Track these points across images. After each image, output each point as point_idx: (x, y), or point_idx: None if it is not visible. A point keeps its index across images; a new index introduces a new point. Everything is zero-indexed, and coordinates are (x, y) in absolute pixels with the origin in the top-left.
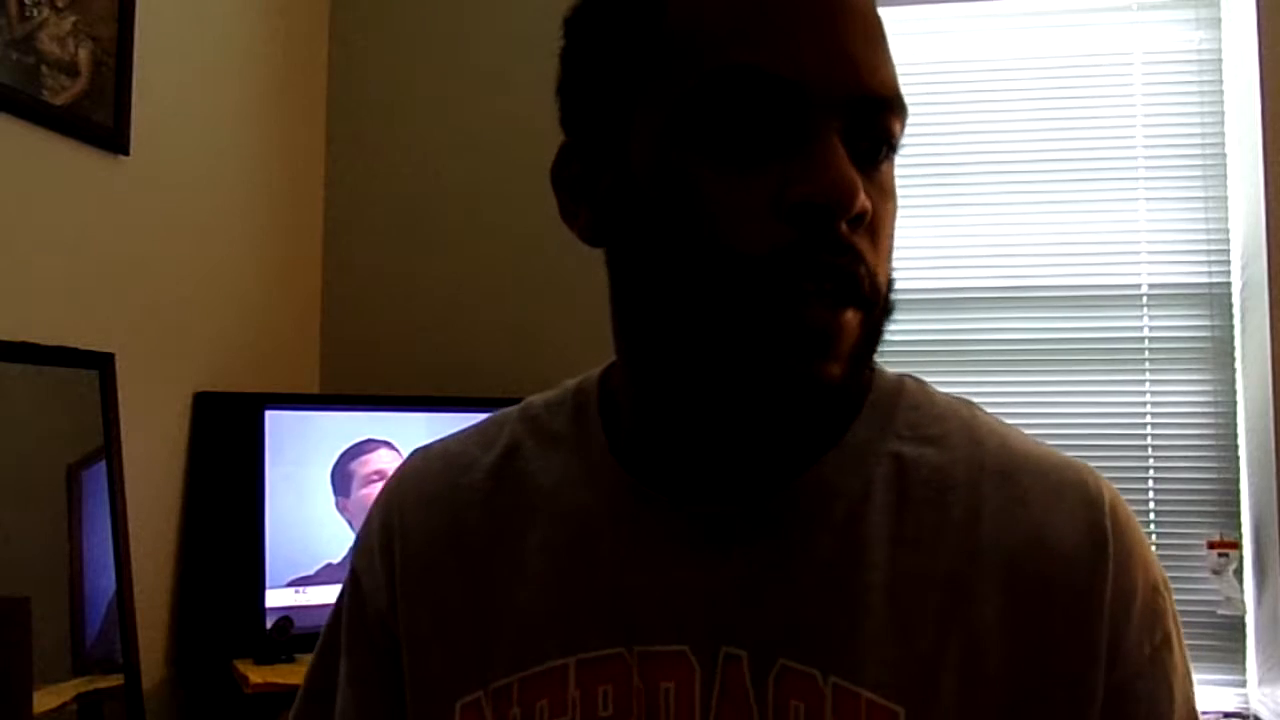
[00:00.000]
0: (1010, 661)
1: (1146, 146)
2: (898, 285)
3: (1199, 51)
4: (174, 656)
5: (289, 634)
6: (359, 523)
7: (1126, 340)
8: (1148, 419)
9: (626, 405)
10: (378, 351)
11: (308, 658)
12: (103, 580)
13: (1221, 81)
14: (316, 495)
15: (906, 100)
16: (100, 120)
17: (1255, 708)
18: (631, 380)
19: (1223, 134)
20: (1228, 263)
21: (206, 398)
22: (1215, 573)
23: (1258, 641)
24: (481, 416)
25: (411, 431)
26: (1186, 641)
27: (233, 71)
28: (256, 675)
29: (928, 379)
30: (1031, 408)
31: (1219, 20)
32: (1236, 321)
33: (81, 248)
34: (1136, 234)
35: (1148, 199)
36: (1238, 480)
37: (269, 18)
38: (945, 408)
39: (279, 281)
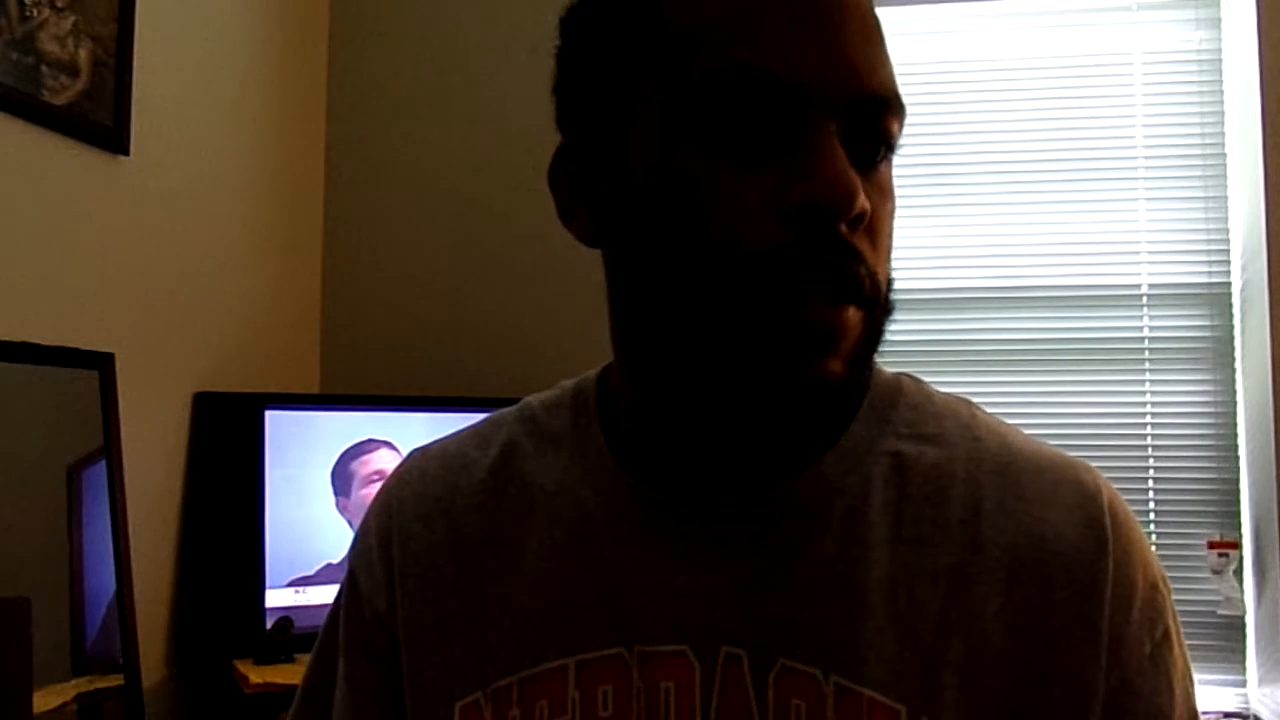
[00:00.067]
0: (1011, 658)
1: (1146, 146)
2: (898, 285)
3: (1199, 51)
4: (174, 656)
5: (289, 634)
6: (359, 522)
7: (1126, 340)
8: (1148, 419)
9: (625, 405)
10: (378, 351)
11: (307, 658)
12: (103, 580)
13: (1221, 81)
14: (316, 495)
15: (905, 100)
16: (100, 120)
17: (1255, 708)
18: (630, 380)
19: (1223, 134)
20: (1228, 263)
21: (206, 398)
22: (1215, 573)
23: (1258, 641)
24: (481, 416)
25: (411, 431)
26: (1186, 641)
27: (233, 71)
28: (256, 675)
29: (928, 379)
30: (1031, 408)
31: (1219, 20)
32: (1236, 321)
33: (81, 248)
34: (1136, 234)
35: (1148, 199)
36: (1238, 480)
37: (269, 18)
38: (943, 406)
39: (279, 281)
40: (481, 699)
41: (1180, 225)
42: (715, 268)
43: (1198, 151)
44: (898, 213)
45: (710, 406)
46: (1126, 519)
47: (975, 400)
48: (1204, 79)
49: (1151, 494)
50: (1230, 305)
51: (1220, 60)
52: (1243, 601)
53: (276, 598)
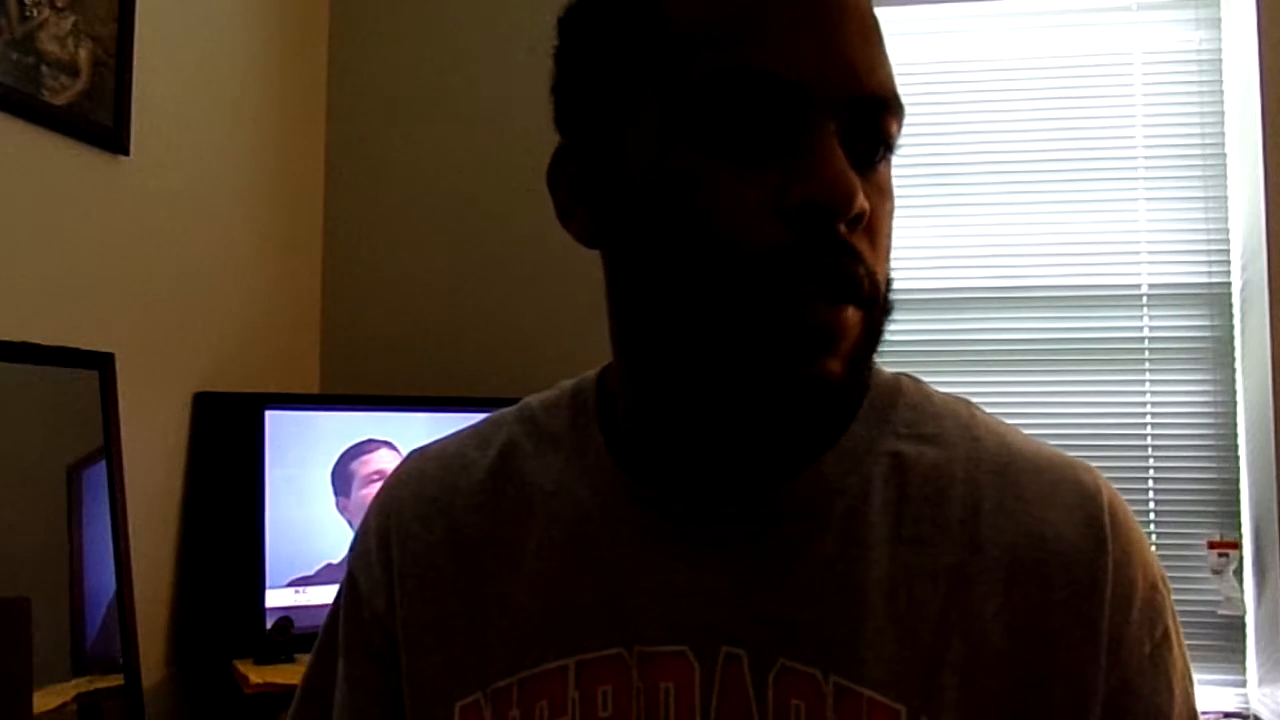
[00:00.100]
0: (1011, 658)
1: (1146, 146)
2: (897, 285)
3: (1199, 51)
4: (174, 656)
5: (289, 634)
6: (359, 522)
7: (1126, 340)
8: (1148, 419)
9: (624, 406)
10: (378, 351)
11: (307, 658)
12: (103, 580)
13: (1221, 81)
14: (317, 495)
15: (905, 100)
16: (100, 120)
17: (1255, 708)
18: (629, 380)
19: (1223, 134)
20: (1228, 263)
21: (206, 398)
22: (1215, 573)
23: (1258, 641)
24: (481, 416)
25: (411, 431)
26: (1186, 641)
27: (233, 71)
28: (256, 675)
29: (927, 379)
30: (1031, 408)
31: (1219, 20)
32: (1236, 321)
33: (81, 248)
34: (1136, 234)
35: (1148, 199)
36: (1238, 480)
37: (269, 18)
38: (943, 406)
39: (279, 281)
40: (481, 699)
41: (1180, 225)
42: (714, 268)
43: (1198, 151)
44: (898, 213)
45: (709, 406)
46: (1126, 519)
47: (975, 400)
48: (1204, 79)
49: (1151, 494)
50: (1230, 305)
51: (1220, 60)
52: (1243, 601)
53: (276, 598)
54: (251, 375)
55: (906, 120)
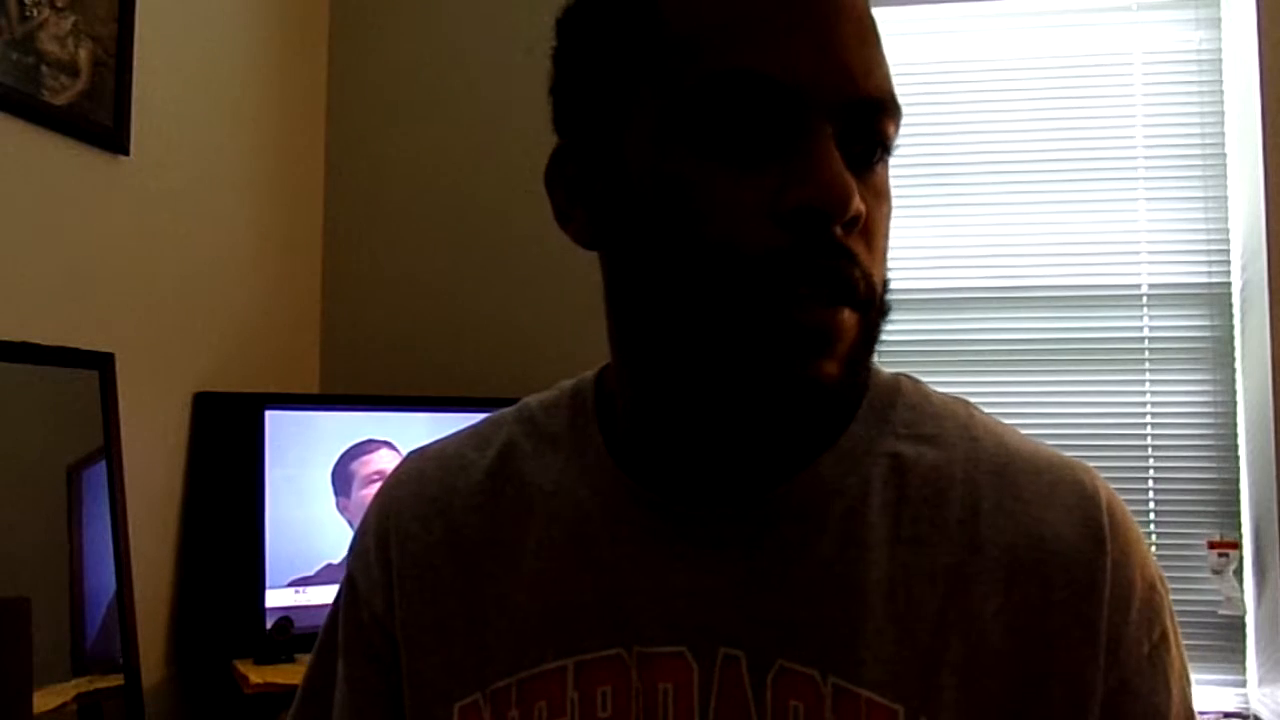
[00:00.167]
0: (1010, 658)
1: (1146, 146)
2: (893, 285)
3: (1199, 51)
4: (174, 656)
5: (289, 634)
6: (359, 523)
7: (1126, 340)
8: (1148, 419)
9: (623, 406)
10: (378, 351)
11: (307, 658)
12: (103, 580)
13: (1221, 81)
14: (317, 495)
15: (903, 102)
16: (100, 120)
17: (1255, 708)
18: (628, 381)
19: (1223, 134)
20: (1228, 263)
21: (206, 398)
22: (1215, 573)
23: (1258, 641)
24: (481, 416)
25: (411, 431)
26: (1186, 641)
27: (233, 71)
28: (256, 675)
29: (927, 379)
30: (1031, 408)
31: (1219, 20)
32: (1236, 321)
33: (81, 248)
34: (1136, 234)
35: (1148, 199)
36: (1238, 480)
37: (269, 18)
38: (942, 407)
39: (279, 281)
40: (480, 700)
41: (1180, 225)
42: (711, 270)
43: (1198, 151)
44: (897, 213)
45: (707, 408)
46: (1124, 519)
47: (974, 400)
48: (1204, 79)
49: (1151, 494)
50: (1230, 305)
51: (1220, 60)
52: (1243, 601)
53: (276, 598)
54: (251, 375)
55: (906, 120)
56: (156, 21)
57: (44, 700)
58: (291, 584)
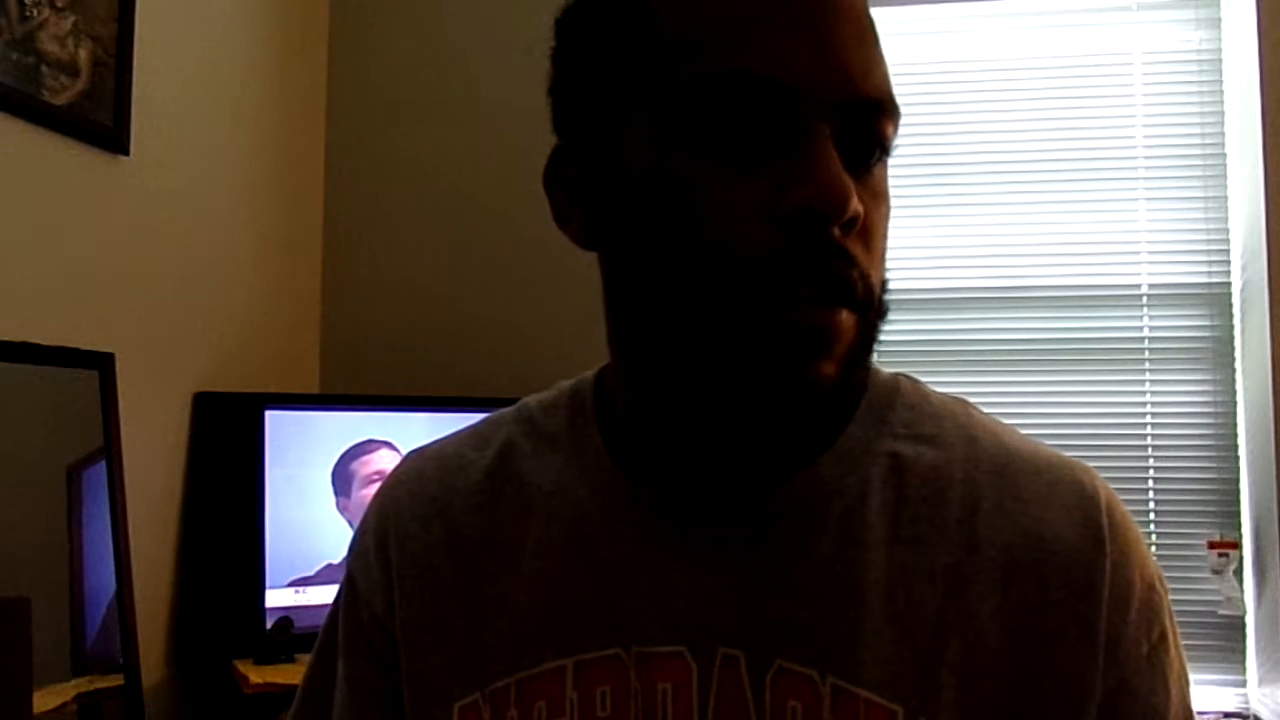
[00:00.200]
0: (1008, 658)
1: (1146, 146)
2: (894, 285)
3: (1199, 51)
4: (174, 656)
5: (289, 634)
6: (358, 523)
7: (1126, 340)
8: (1148, 419)
9: (622, 406)
10: (378, 351)
11: (307, 658)
12: (103, 580)
13: (1221, 81)
14: (317, 495)
15: (903, 101)
16: (100, 120)
17: (1255, 708)
18: (627, 382)
19: (1223, 134)
20: (1228, 263)
21: (206, 398)
22: (1215, 573)
23: (1258, 641)
24: (481, 416)
25: (411, 431)
26: (1186, 641)
27: (233, 71)
28: (256, 675)
29: (927, 379)
30: (1031, 408)
31: (1219, 20)
32: (1236, 321)
33: (81, 248)
34: (1136, 234)
35: (1148, 199)
36: (1238, 480)
37: (269, 18)
38: (941, 406)
39: (279, 281)
40: (480, 699)
41: (1180, 225)
42: (708, 271)
43: (1198, 151)
44: (897, 213)
45: (705, 408)
46: (1124, 520)
47: (974, 400)
48: (1204, 79)
49: (1151, 494)
50: (1230, 305)
51: (1220, 60)
52: (1243, 601)
53: (276, 598)
54: (251, 375)
55: (906, 120)
56: (156, 21)
57: (44, 700)
58: (291, 584)
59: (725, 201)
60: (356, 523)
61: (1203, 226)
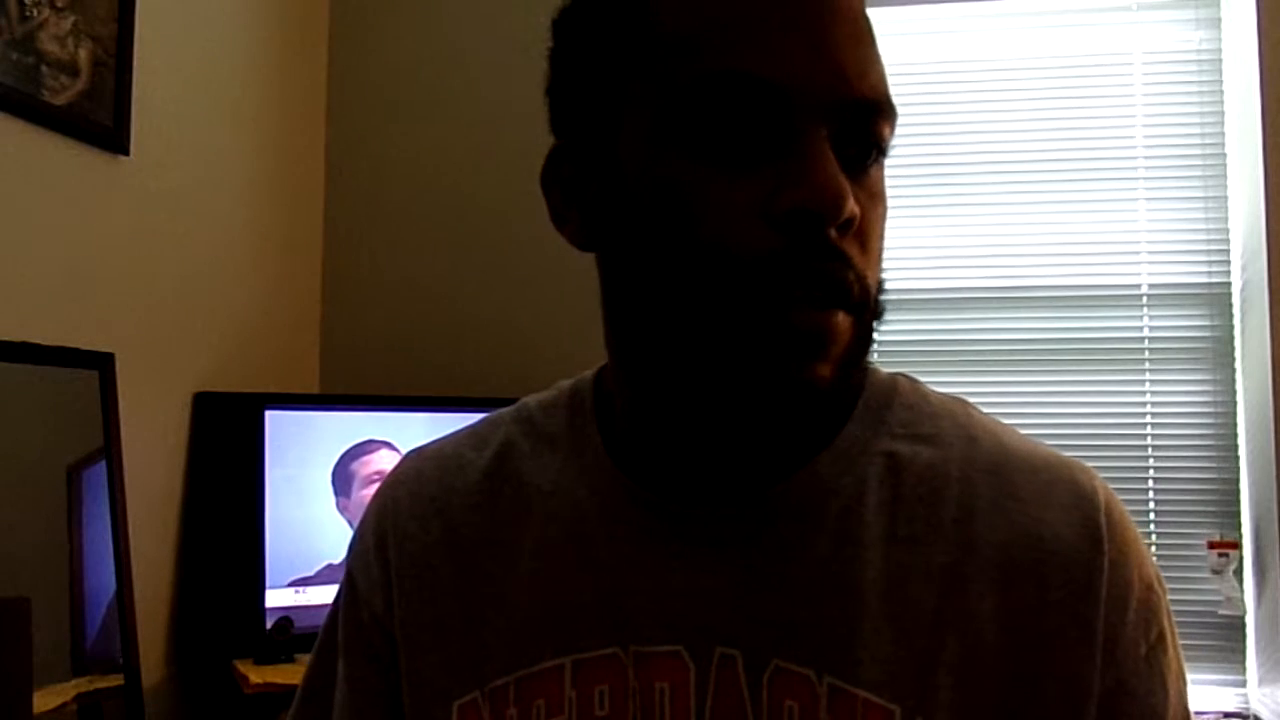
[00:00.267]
0: (1006, 658)
1: (1146, 146)
2: (893, 285)
3: (1199, 51)
4: (174, 656)
5: (289, 634)
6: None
7: (1126, 340)
8: (1148, 419)
9: (620, 406)
10: (378, 351)
11: (307, 658)
12: (103, 580)
13: (1221, 81)
14: (317, 495)
15: (903, 101)
16: (100, 120)
17: (1255, 708)
18: (625, 382)
19: (1223, 134)
20: (1228, 263)
21: (206, 398)
22: (1215, 573)
23: (1258, 641)
24: (480, 416)
25: (411, 431)
26: (1186, 641)
27: (233, 71)
28: (256, 675)
29: (927, 379)
30: (1031, 408)
31: (1219, 20)
32: (1236, 321)
33: (81, 248)
34: (1136, 234)
35: (1148, 199)
36: (1238, 480)
37: (269, 18)
38: (939, 406)
39: (279, 281)
40: (479, 698)
41: (1180, 225)
42: (704, 272)
43: (1198, 151)
44: (897, 213)
45: (702, 409)
46: (1122, 519)
47: (974, 400)
48: (1204, 79)
49: (1151, 494)
50: (1230, 305)
51: (1220, 60)
52: (1243, 601)
53: (276, 598)
54: (251, 375)
55: (906, 120)
56: (156, 21)
57: (44, 700)
58: (291, 584)
59: (721, 202)
60: (356, 523)
61: (1203, 226)
